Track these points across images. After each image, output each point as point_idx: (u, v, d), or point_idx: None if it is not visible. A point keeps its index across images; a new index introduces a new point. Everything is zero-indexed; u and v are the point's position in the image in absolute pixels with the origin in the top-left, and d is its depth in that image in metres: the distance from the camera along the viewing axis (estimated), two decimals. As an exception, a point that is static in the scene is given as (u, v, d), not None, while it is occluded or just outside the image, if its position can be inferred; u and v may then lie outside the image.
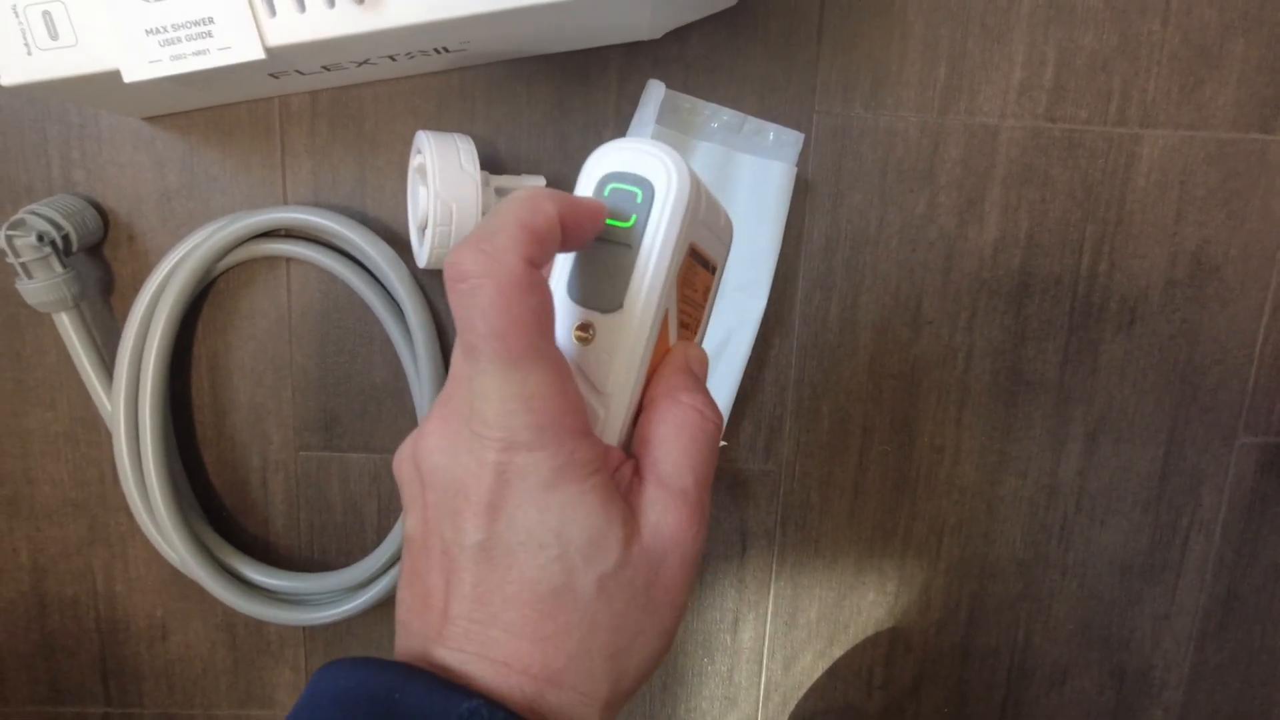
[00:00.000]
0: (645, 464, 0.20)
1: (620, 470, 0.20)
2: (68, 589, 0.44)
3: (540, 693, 0.18)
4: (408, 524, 0.21)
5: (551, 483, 0.18)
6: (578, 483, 0.18)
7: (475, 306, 0.17)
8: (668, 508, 0.20)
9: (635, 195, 0.20)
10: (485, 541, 0.18)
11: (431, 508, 0.20)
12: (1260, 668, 0.50)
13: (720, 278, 0.24)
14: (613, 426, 0.21)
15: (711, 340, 0.41)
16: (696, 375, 0.22)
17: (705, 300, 0.24)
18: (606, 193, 0.21)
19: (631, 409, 0.21)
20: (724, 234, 0.24)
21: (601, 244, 0.20)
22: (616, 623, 0.19)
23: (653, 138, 0.39)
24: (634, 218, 0.20)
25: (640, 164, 0.20)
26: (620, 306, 0.20)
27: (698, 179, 0.21)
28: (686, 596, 0.20)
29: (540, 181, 0.39)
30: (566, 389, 0.18)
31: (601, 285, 0.20)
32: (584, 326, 0.21)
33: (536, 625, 0.18)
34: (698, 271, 0.22)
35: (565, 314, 0.21)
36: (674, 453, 0.20)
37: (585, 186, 0.21)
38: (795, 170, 0.41)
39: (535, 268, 0.18)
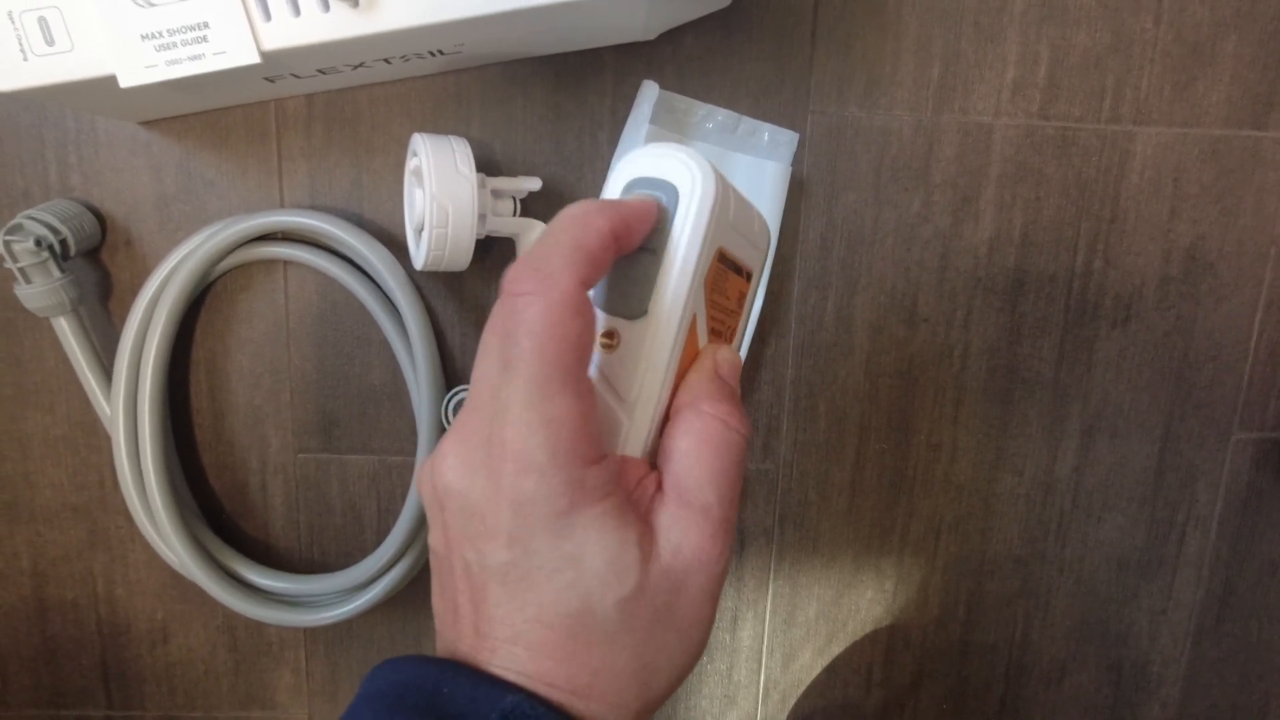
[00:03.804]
0: (667, 479, 0.20)
1: (642, 484, 0.20)
2: (68, 593, 0.44)
3: (569, 703, 0.19)
4: (431, 539, 0.21)
5: (564, 509, 0.18)
6: (590, 507, 0.18)
7: (522, 322, 0.18)
8: (689, 527, 0.19)
9: (663, 202, 0.20)
10: (503, 565, 0.19)
11: (451, 528, 0.20)
12: (1257, 662, 0.50)
13: (758, 284, 0.24)
14: (637, 436, 0.20)
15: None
16: (725, 381, 0.21)
17: (740, 307, 0.23)
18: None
19: (657, 418, 0.21)
20: (758, 239, 0.23)
21: None
22: (640, 640, 0.19)
23: (647, 139, 0.39)
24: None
25: (665, 168, 0.20)
26: (645, 313, 0.20)
27: (726, 183, 0.21)
28: (713, 611, 0.20)
29: (536, 184, 0.39)
30: (588, 417, 0.18)
31: (626, 291, 0.20)
32: (609, 333, 0.20)
33: (559, 645, 0.19)
34: (728, 277, 0.22)
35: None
36: (695, 468, 0.20)
37: (612, 193, 0.21)
38: (790, 170, 0.41)
39: (586, 288, 0.18)
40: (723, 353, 0.21)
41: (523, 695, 0.18)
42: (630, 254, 0.20)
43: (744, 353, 0.42)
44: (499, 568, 0.19)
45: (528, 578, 0.18)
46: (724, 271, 0.22)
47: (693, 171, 0.20)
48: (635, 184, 0.20)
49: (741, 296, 0.23)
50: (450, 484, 0.19)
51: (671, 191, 0.20)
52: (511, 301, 0.18)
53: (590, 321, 0.18)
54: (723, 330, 0.23)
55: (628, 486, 0.19)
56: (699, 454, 0.20)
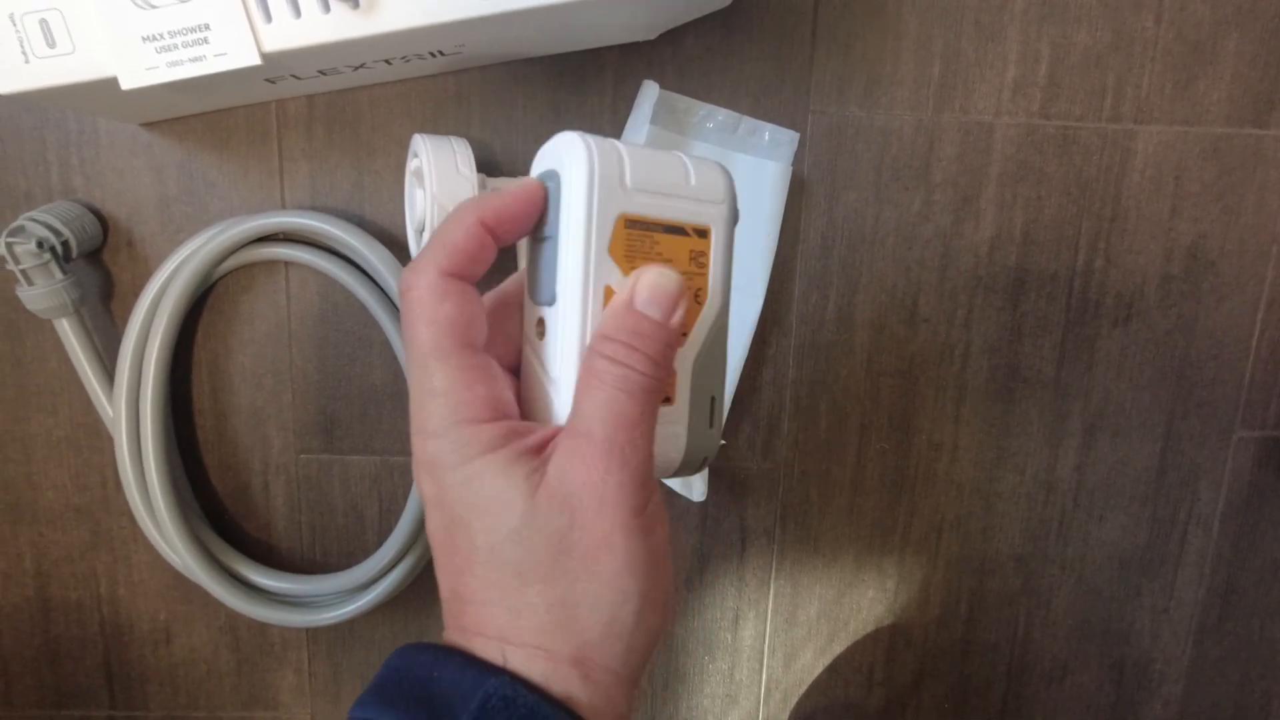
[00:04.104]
0: (568, 419, 0.21)
1: (555, 440, 0.20)
2: (71, 593, 0.45)
3: (503, 652, 0.20)
4: None
5: (458, 463, 0.20)
6: (479, 458, 0.20)
7: (404, 315, 0.20)
8: (572, 453, 0.20)
9: (552, 188, 0.21)
10: (437, 530, 0.21)
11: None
12: (1259, 661, 0.50)
13: (722, 237, 0.23)
14: (563, 410, 0.21)
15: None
16: (633, 310, 0.21)
17: (701, 267, 0.23)
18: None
19: None
20: (703, 192, 0.23)
21: (535, 241, 0.22)
22: (544, 573, 0.19)
23: (648, 139, 0.39)
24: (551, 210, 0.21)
25: (553, 158, 0.21)
26: (556, 298, 0.21)
27: (613, 149, 0.21)
28: (629, 548, 0.20)
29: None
30: (474, 384, 0.20)
31: (540, 280, 0.22)
32: (539, 321, 0.22)
33: (479, 590, 0.20)
34: (658, 240, 0.22)
35: (529, 313, 0.22)
36: (584, 401, 0.20)
37: None
38: (791, 170, 0.41)
39: (456, 277, 0.20)
40: (646, 277, 0.21)
41: (506, 678, 0.19)
42: (539, 244, 0.21)
43: (751, 324, 0.41)
44: (435, 533, 0.21)
45: (450, 535, 0.20)
46: (645, 237, 0.22)
47: (565, 152, 0.21)
48: (540, 179, 0.22)
49: (699, 255, 0.23)
50: (413, 471, 0.22)
51: (555, 177, 0.21)
52: (400, 300, 0.21)
53: (459, 301, 0.20)
54: (689, 286, 0.23)
55: (536, 442, 0.20)
56: (588, 389, 0.20)
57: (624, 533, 0.20)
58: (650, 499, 0.20)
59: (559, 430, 0.21)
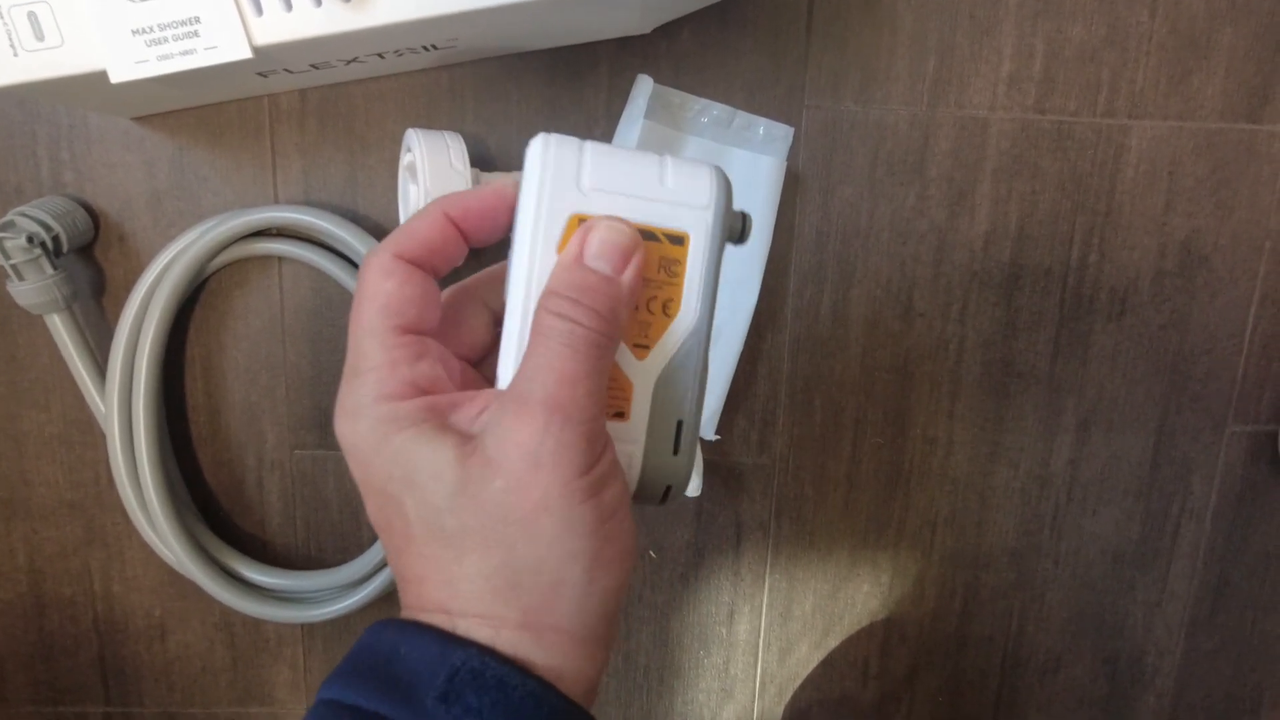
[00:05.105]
0: (510, 385, 0.20)
1: (488, 407, 0.20)
2: (65, 590, 0.44)
3: (452, 624, 0.19)
4: None
5: (380, 442, 0.19)
6: (403, 431, 0.19)
7: (354, 297, 0.21)
8: (504, 413, 0.19)
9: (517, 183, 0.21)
10: (372, 512, 0.20)
11: None
12: (1251, 653, 0.50)
13: (703, 245, 0.21)
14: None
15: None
16: (581, 266, 0.20)
17: (674, 276, 0.21)
18: None
19: None
20: (678, 195, 0.21)
21: (507, 243, 0.21)
22: (480, 541, 0.19)
23: (642, 133, 0.39)
24: None
25: (525, 160, 0.21)
26: (507, 296, 0.21)
27: (575, 150, 0.20)
28: (571, 509, 0.19)
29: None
30: (399, 363, 0.20)
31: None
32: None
33: (416, 566, 0.20)
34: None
35: None
36: (528, 361, 0.19)
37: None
38: (785, 164, 0.41)
39: (409, 262, 0.20)
40: (596, 230, 0.20)
41: (473, 650, 0.18)
42: (508, 246, 0.21)
43: (747, 317, 0.41)
44: (373, 517, 0.21)
45: (385, 516, 0.20)
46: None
47: (527, 153, 0.20)
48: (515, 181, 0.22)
49: (671, 263, 0.21)
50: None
51: (521, 179, 0.21)
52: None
53: (405, 283, 0.20)
54: (656, 295, 0.21)
55: (466, 413, 0.20)
56: (531, 349, 0.19)
57: (564, 493, 0.19)
58: (600, 457, 0.19)
59: (491, 398, 0.20)
